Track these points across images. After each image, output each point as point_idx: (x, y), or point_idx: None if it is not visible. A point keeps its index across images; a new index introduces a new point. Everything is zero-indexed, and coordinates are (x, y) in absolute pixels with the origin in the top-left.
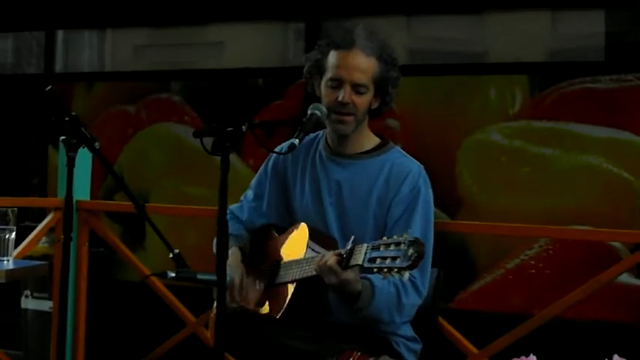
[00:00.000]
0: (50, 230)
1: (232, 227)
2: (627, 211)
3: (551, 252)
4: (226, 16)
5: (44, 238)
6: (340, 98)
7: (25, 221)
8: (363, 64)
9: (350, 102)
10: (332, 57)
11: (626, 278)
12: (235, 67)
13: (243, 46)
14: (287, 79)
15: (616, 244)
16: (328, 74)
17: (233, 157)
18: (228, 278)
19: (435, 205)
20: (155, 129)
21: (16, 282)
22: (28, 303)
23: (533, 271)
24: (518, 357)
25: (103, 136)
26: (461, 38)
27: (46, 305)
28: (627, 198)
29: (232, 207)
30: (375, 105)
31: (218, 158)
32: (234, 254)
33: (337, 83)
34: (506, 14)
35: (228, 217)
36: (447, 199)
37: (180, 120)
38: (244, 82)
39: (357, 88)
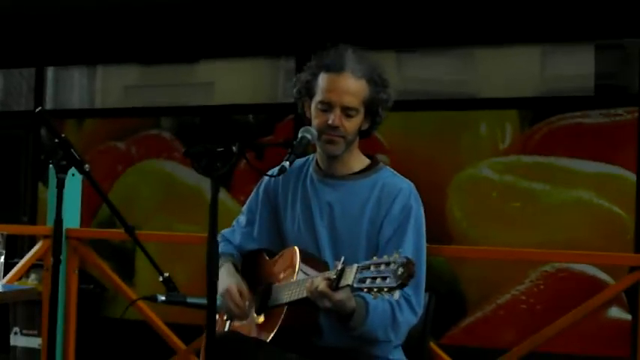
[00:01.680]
0: (38, 268)
1: (225, 247)
2: (618, 245)
3: (542, 287)
4: (216, 54)
5: (33, 275)
6: (330, 121)
7: (15, 258)
8: (353, 88)
9: (340, 125)
10: (322, 80)
11: (617, 313)
12: (225, 103)
13: (234, 83)
14: (277, 116)
15: (607, 278)
16: (318, 97)
17: (223, 194)
18: (218, 302)
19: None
20: (145, 165)
21: (5, 319)
22: (18, 340)
23: (524, 306)
24: None
25: (92, 172)
26: (451, 74)
27: (35, 342)
28: (617, 232)
29: (224, 231)
30: (365, 126)
31: (208, 194)
32: (227, 268)
33: (327, 106)
34: (496, 50)
35: (220, 239)
36: (437, 235)
37: (170, 156)
38: (234, 119)
39: (346, 111)
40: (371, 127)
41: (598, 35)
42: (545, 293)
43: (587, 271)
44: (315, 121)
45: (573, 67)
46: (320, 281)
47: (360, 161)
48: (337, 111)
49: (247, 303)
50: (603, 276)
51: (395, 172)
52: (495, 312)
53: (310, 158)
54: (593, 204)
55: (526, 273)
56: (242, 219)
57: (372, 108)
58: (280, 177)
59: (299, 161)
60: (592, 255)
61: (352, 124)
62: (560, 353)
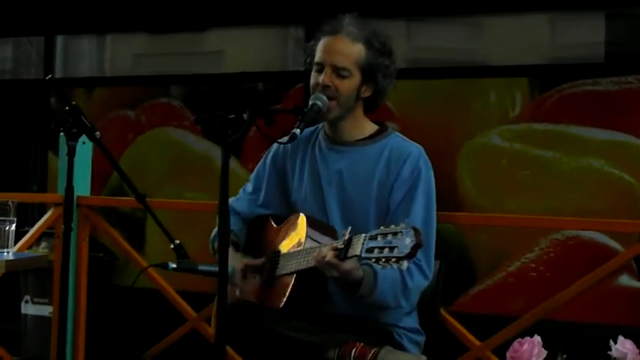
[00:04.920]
0: (49, 236)
1: None
2: (628, 213)
3: (552, 255)
4: (225, 22)
5: (44, 244)
6: (320, 81)
7: (25, 226)
8: (346, 49)
9: (330, 84)
10: (320, 43)
11: (628, 281)
12: (235, 71)
13: (243, 51)
14: (286, 84)
15: (617, 246)
16: (314, 60)
17: (233, 162)
18: (229, 270)
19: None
20: (155, 134)
21: (16, 288)
22: (28, 308)
23: (534, 274)
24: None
25: (102, 141)
26: (460, 42)
27: (45, 310)
28: (628, 200)
29: (230, 200)
30: (366, 93)
31: (217, 163)
32: None
33: (320, 67)
34: (505, 18)
35: None
36: (447, 203)
37: (180, 125)
38: (244, 87)
39: (338, 71)
40: (375, 96)
41: (608, 3)
42: (556, 261)
43: (598, 239)
44: (311, 84)
45: (583, 34)
46: (327, 251)
47: (367, 127)
48: (328, 70)
49: (244, 283)
50: (613, 244)
51: (405, 137)
52: (505, 280)
53: (320, 126)
54: (604, 172)
55: (536, 241)
56: (249, 186)
57: (369, 73)
58: (289, 144)
59: (308, 129)
60: (602, 222)
61: (345, 85)
62: (570, 321)
